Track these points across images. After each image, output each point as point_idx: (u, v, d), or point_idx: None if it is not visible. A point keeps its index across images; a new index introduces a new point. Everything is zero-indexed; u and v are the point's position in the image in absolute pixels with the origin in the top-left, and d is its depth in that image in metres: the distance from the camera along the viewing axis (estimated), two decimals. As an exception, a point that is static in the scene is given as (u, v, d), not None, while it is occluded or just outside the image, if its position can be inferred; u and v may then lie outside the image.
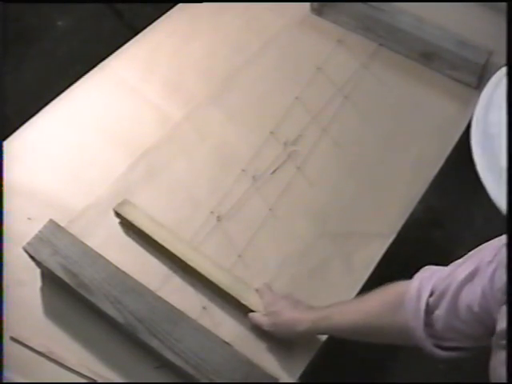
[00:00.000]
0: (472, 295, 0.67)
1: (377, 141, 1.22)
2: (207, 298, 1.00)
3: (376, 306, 0.81)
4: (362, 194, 1.14)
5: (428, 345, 0.73)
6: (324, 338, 0.97)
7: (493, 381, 0.64)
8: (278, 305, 0.93)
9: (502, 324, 0.62)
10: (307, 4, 1.42)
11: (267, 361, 0.94)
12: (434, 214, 1.42)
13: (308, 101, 1.26)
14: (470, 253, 0.72)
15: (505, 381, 0.56)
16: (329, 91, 1.28)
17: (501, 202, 0.51)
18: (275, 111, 1.24)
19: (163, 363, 0.93)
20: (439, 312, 0.71)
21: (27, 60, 1.85)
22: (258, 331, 0.97)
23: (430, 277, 0.74)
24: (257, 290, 0.99)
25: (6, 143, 1.17)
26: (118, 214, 1.07)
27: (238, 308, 0.98)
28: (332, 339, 0.98)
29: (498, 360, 0.62)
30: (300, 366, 0.95)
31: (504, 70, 0.58)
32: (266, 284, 1.00)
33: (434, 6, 1.38)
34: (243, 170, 1.16)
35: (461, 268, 0.70)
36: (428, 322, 0.72)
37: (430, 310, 0.72)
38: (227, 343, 0.93)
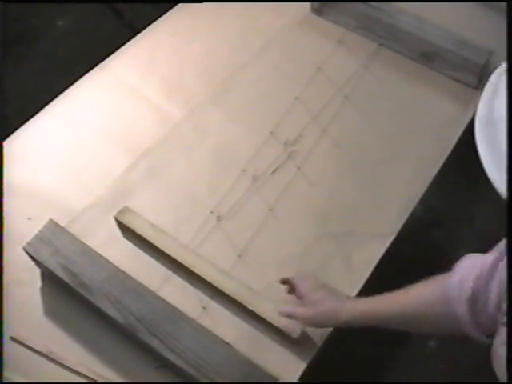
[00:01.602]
0: (499, 280, 0.68)
1: (377, 141, 1.22)
2: (207, 298, 1.00)
3: (422, 298, 0.81)
4: (362, 194, 1.14)
5: (476, 333, 0.73)
6: (324, 338, 0.97)
7: (494, 362, 0.64)
8: (317, 294, 0.91)
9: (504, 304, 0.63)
10: (307, 4, 1.42)
11: (267, 361, 0.94)
12: (434, 213, 1.42)
13: (308, 101, 1.26)
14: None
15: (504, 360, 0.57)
16: (329, 91, 1.28)
17: (500, 184, 0.52)
18: (275, 111, 1.24)
19: (163, 363, 0.93)
20: (482, 300, 0.71)
21: (27, 60, 1.85)
22: (258, 331, 0.97)
23: (470, 265, 0.74)
24: (284, 281, 0.97)
25: (5, 143, 1.18)
26: (118, 222, 1.07)
27: (239, 308, 0.98)
28: (332, 339, 0.98)
29: (500, 338, 0.63)
30: (300, 366, 0.95)
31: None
32: (297, 273, 0.98)
33: (434, 5, 1.38)
34: (243, 170, 1.16)
35: (490, 254, 0.71)
36: (475, 312, 0.72)
37: (473, 299, 0.72)
38: (227, 343, 0.93)
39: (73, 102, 1.27)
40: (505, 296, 0.63)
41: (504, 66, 0.59)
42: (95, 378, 0.93)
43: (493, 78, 0.60)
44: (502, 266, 0.67)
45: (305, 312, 0.91)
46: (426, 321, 0.81)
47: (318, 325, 0.93)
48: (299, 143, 1.20)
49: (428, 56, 1.30)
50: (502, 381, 0.63)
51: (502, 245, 0.71)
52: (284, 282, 0.98)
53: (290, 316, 0.93)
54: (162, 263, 1.04)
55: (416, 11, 1.34)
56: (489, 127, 0.56)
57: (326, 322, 0.91)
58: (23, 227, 1.05)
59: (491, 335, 0.72)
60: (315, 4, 1.40)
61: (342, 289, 1.01)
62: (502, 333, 0.63)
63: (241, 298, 0.98)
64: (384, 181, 1.16)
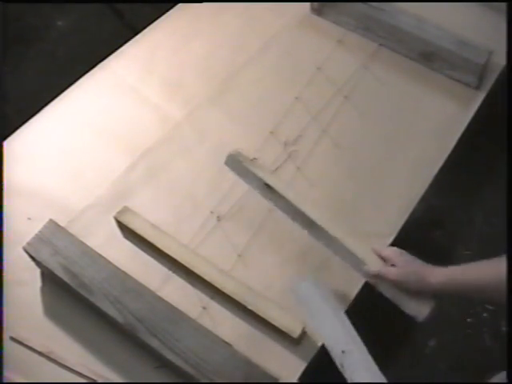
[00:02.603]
0: None
1: (377, 141, 1.22)
2: (207, 298, 1.00)
3: (500, 275, 0.80)
4: (362, 194, 1.14)
5: None
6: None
7: None
8: (407, 256, 0.94)
9: None
10: (307, 4, 1.42)
11: (267, 361, 0.94)
12: (434, 213, 1.42)
13: (308, 101, 1.26)
14: None
15: None
16: (329, 91, 1.28)
17: None
18: (275, 111, 1.24)
19: (163, 363, 0.93)
20: None
21: (27, 60, 1.86)
22: (258, 331, 0.97)
23: None
24: (374, 250, 0.99)
25: (5, 143, 1.18)
26: (118, 222, 1.07)
27: (239, 308, 0.98)
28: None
29: None
30: (300, 366, 0.95)
31: None
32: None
33: (434, 5, 1.38)
34: (243, 170, 1.16)
35: None
36: None
37: None
38: (227, 343, 0.93)
39: (73, 102, 1.27)
40: None
41: None
42: (95, 378, 0.93)
43: None
44: None
45: (394, 270, 0.93)
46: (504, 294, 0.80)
47: (409, 285, 0.93)
48: (299, 143, 1.20)
49: (428, 56, 1.30)
50: None
51: None
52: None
53: (380, 275, 0.94)
54: (162, 263, 1.04)
55: (416, 11, 1.34)
56: None
57: (416, 283, 0.92)
58: (23, 227, 1.05)
59: None
60: (315, 4, 1.40)
61: (343, 288, 1.01)
62: None
63: (241, 298, 0.98)
64: (384, 181, 1.16)
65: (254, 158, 1.01)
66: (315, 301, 0.89)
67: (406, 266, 0.93)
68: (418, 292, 0.93)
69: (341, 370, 0.82)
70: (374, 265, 0.97)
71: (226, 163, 1.02)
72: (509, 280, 0.57)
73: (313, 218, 0.99)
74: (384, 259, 0.98)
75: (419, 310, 0.93)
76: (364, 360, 0.82)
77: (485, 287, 0.85)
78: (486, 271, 0.85)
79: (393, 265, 0.96)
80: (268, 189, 1.01)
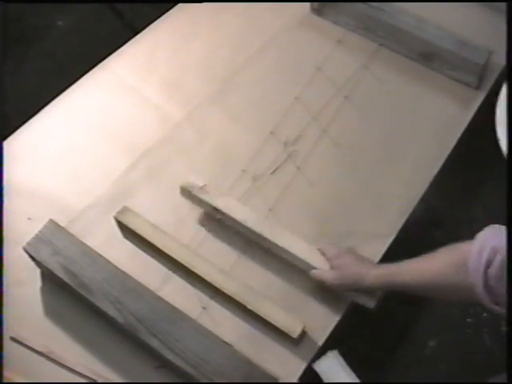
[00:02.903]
0: None
1: (377, 141, 1.22)
2: (207, 298, 1.00)
3: (441, 266, 0.83)
4: (362, 194, 1.14)
5: (488, 301, 0.75)
6: (323, 338, 0.97)
7: None
8: (344, 258, 0.96)
9: None
10: (307, 4, 1.42)
11: (267, 361, 0.94)
12: (434, 213, 1.42)
13: (308, 101, 1.26)
14: None
15: None
16: (329, 91, 1.28)
17: None
18: (275, 111, 1.24)
19: (163, 363, 0.93)
20: (494, 267, 0.73)
21: (27, 60, 1.85)
22: (258, 331, 0.97)
23: (491, 235, 0.76)
24: (319, 249, 1.00)
25: (5, 143, 1.18)
26: (118, 222, 1.07)
27: (239, 308, 0.98)
28: (331, 339, 0.98)
29: None
30: (300, 366, 0.95)
31: None
32: (328, 243, 1.02)
33: (434, 5, 1.38)
34: (243, 170, 1.16)
35: None
36: (486, 278, 0.74)
37: (488, 267, 0.74)
38: (227, 343, 0.93)
39: (73, 102, 1.27)
40: None
41: None
42: (95, 378, 0.93)
43: None
44: None
45: (332, 275, 0.96)
46: (445, 288, 0.82)
47: (346, 287, 0.96)
48: (299, 143, 1.20)
49: (428, 56, 1.30)
50: None
51: None
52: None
53: (319, 279, 0.98)
54: (162, 263, 1.04)
55: (416, 11, 1.34)
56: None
57: (353, 285, 0.95)
58: (23, 227, 1.05)
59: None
60: (315, 4, 1.40)
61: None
62: None
63: (241, 298, 0.98)
64: (384, 181, 1.16)
65: (204, 185, 1.06)
66: (338, 376, 0.93)
67: (342, 269, 0.95)
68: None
69: None
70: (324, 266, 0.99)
71: (181, 194, 1.09)
72: (509, 280, 0.57)
73: (258, 231, 1.02)
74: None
75: (368, 299, 0.96)
76: None
77: (410, 285, 0.88)
78: (410, 270, 0.88)
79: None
80: (217, 211, 1.05)
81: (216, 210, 1.05)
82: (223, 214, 1.05)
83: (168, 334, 0.92)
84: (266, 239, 1.02)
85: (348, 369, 0.94)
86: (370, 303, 0.96)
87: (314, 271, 0.98)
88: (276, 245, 1.01)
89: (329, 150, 1.20)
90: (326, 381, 0.93)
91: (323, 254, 1.00)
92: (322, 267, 0.98)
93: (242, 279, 1.01)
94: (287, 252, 1.01)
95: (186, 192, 1.08)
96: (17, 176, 1.15)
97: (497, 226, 0.78)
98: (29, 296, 1.01)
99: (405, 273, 0.88)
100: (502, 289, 0.73)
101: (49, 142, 1.21)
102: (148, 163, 1.17)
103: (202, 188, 1.06)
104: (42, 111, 1.24)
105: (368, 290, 0.95)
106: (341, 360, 0.95)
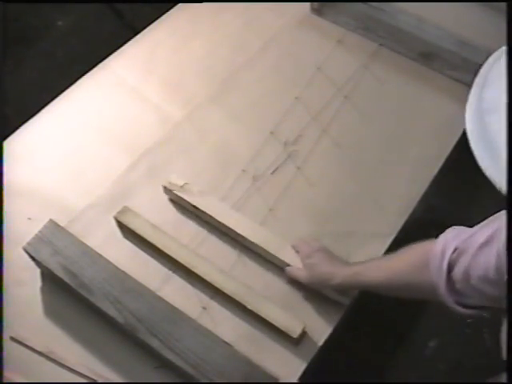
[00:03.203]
0: (488, 258, 0.69)
1: (377, 141, 1.22)
2: (207, 298, 1.00)
3: (404, 265, 0.84)
4: (362, 194, 1.14)
5: (450, 302, 0.75)
6: (323, 338, 0.97)
7: (504, 346, 0.65)
8: (314, 257, 0.97)
9: None
10: (307, 4, 1.42)
11: (267, 361, 0.94)
12: (433, 213, 1.42)
13: (308, 101, 1.26)
14: (492, 217, 0.74)
15: None
16: (329, 91, 1.28)
17: (489, 170, 0.54)
18: (275, 111, 1.24)
19: (163, 363, 0.93)
20: (458, 269, 0.73)
21: (27, 60, 1.85)
22: (258, 331, 0.97)
23: (454, 236, 0.77)
24: (293, 247, 1.02)
25: (5, 143, 1.18)
26: (118, 222, 1.07)
27: (239, 308, 0.98)
28: (331, 339, 0.98)
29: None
30: (300, 366, 0.95)
31: (502, 49, 0.61)
32: (302, 239, 1.03)
33: (434, 5, 1.38)
34: (243, 170, 1.16)
35: (482, 231, 0.73)
36: (449, 279, 0.75)
37: (451, 268, 0.75)
38: (227, 343, 0.93)
39: (73, 102, 1.27)
40: None
41: (495, 55, 0.62)
42: (95, 378, 0.93)
43: (483, 68, 0.62)
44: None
45: (303, 274, 0.98)
46: (408, 287, 0.83)
47: (317, 286, 0.98)
48: (299, 143, 1.20)
49: (428, 56, 1.30)
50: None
51: (495, 222, 0.72)
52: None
53: (292, 278, 1.00)
54: (162, 263, 1.04)
55: (416, 11, 1.34)
56: (479, 117, 0.58)
57: (323, 284, 0.97)
58: (23, 227, 1.05)
59: (472, 307, 0.75)
60: (315, 4, 1.40)
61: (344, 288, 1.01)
62: None
63: (241, 298, 0.98)
64: (384, 181, 1.16)
65: (185, 184, 1.08)
66: None
67: (312, 269, 0.97)
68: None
69: None
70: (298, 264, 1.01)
71: (164, 192, 1.11)
72: (509, 280, 0.57)
73: (237, 230, 1.04)
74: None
75: (342, 296, 0.98)
76: None
77: (374, 285, 0.89)
78: (374, 270, 0.89)
79: None
80: (197, 210, 1.07)
81: (196, 208, 1.07)
82: (203, 212, 1.06)
83: (168, 334, 0.92)
84: (244, 238, 1.04)
85: None
86: (344, 300, 0.98)
87: (287, 268, 1.01)
88: (252, 242, 1.03)
89: (329, 150, 1.20)
90: None
91: (297, 251, 1.01)
92: (295, 264, 1.00)
93: (242, 279, 1.01)
94: (264, 250, 1.02)
95: (168, 191, 1.10)
96: (17, 176, 1.15)
97: (460, 226, 0.79)
98: (29, 296, 1.01)
99: (369, 272, 0.89)
100: (469, 291, 0.73)
101: (49, 142, 1.21)
102: (148, 163, 1.17)
103: (182, 187, 1.08)
104: (41, 111, 1.24)
105: (337, 289, 0.96)
106: None
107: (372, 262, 0.91)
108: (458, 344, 1.32)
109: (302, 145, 1.20)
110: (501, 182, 0.53)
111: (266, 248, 1.02)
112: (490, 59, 0.62)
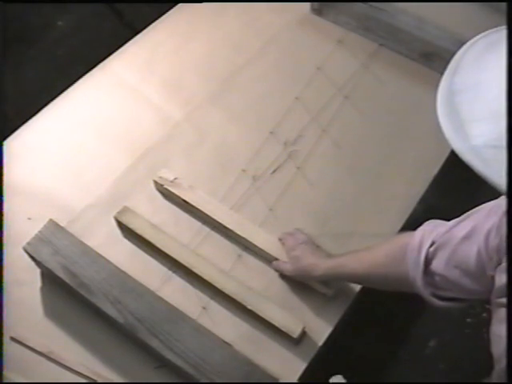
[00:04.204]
0: (468, 252, 0.70)
1: (377, 141, 1.22)
2: (207, 298, 1.00)
3: (382, 256, 0.85)
4: (361, 194, 1.14)
5: (426, 294, 0.77)
6: (323, 338, 0.97)
7: (491, 342, 0.66)
8: (298, 250, 0.99)
9: (499, 281, 0.65)
10: (307, 4, 1.42)
11: (267, 361, 0.94)
12: (434, 214, 1.42)
13: (308, 101, 1.26)
14: (469, 212, 0.76)
15: (503, 338, 0.59)
16: (329, 91, 1.28)
17: (459, 149, 0.56)
18: (275, 111, 1.24)
19: (163, 363, 0.93)
20: (437, 263, 0.75)
21: (27, 60, 1.85)
22: (258, 331, 0.97)
23: (432, 230, 0.77)
24: (279, 239, 1.04)
25: (5, 143, 1.18)
26: (118, 222, 1.07)
27: (239, 308, 0.98)
28: (331, 339, 0.98)
29: (497, 318, 0.65)
30: (300, 366, 0.95)
31: (476, 37, 0.64)
32: (288, 232, 1.04)
33: (434, 5, 1.38)
34: (243, 170, 1.16)
35: (460, 225, 0.74)
36: (427, 272, 0.76)
37: (428, 261, 0.76)
38: (227, 343, 0.93)
39: (73, 102, 1.27)
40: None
41: (469, 43, 0.65)
42: (95, 378, 0.93)
43: (457, 55, 0.65)
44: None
45: (288, 267, 1.00)
46: (386, 278, 0.85)
47: (300, 278, 1.00)
48: (299, 143, 1.20)
49: (428, 56, 1.30)
50: (498, 361, 0.65)
51: (474, 218, 0.73)
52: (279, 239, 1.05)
53: (278, 269, 1.02)
54: (162, 263, 1.04)
55: (416, 11, 1.34)
56: (449, 98, 0.62)
57: (306, 276, 0.99)
58: (23, 227, 1.05)
59: (448, 299, 0.75)
60: (315, 4, 1.40)
61: (343, 288, 1.01)
62: (500, 312, 0.65)
63: (241, 298, 0.98)
64: (384, 181, 1.16)
65: (175, 179, 1.09)
66: None
67: (296, 261, 0.98)
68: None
69: None
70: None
71: (155, 187, 1.12)
72: (508, 280, 0.58)
73: (226, 224, 1.06)
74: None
75: (326, 287, 0.99)
76: None
77: (354, 276, 0.92)
78: (353, 262, 0.90)
79: None
80: (187, 204, 1.08)
81: (186, 202, 1.08)
82: (192, 206, 1.07)
83: (168, 334, 0.91)
84: (232, 231, 1.05)
85: None
86: (328, 291, 0.99)
87: (274, 263, 1.02)
88: (240, 236, 1.04)
89: (329, 150, 1.20)
90: None
91: (282, 243, 1.03)
92: (282, 258, 1.02)
93: (241, 279, 1.01)
94: (251, 243, 1.04)
95: (158, 186, 1.11)
96: (17, 176, 1.15)
97: (437, 220, 0.79)
98: (29, 296, 1.01)
99: (350, 263, 0.91)
100: (447, 284, 0.74)
101: (49, 142, 1.21)
102: (148, 163, 1.17)
103: (172, 182, 1.09)
104: (41, 111, 1.24)
105: (320, 280, 0.98)
106: None
107: (353, 254, 0.92)
108: (458, 344, 1.32)
109: (302, 145, 1.20)
110: (470, 160, 0.54)
111: (255, 243, 1.04)
112: (464, 47, 0.65)
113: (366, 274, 0.88)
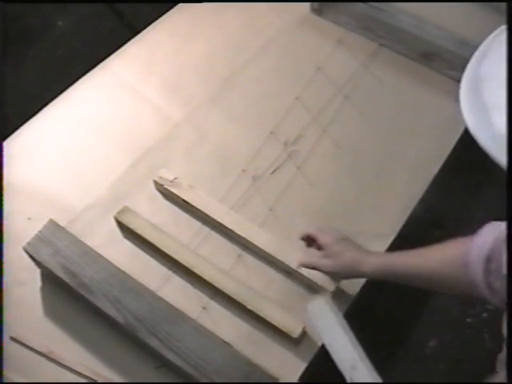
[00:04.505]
0: None
1: (377, 141, 1.22)
2: (207, 298, 1.00)
3: (443, 258, 0.81)
4: (361, 194, 1.14)
5: (489, 297, 0.73)
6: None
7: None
8: (339, 245, 0.93)
9: None
10: (307, 4, 1.42)
11: (267, 361, 0.94)
12: (434, 213, 1.42)
13: (308, 101, 1.26)
14: None
15: None
16: (329, 91, 1.28)
17: (480, 136, 0.56)
18: (275, 111, 1.24)
19: (163, 363, 0.93)
20: (494, 265, 0.71)
21: (27, 60, 1.85)
22: (258, 331, 0.97)
23: (492, 231, 0.74)
24: (304, 238, 0.99)
25: (5, 143, 1.18)
26: (118, 222, 1.07)
27: (239, 308, 0.98)
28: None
29: None
30: (300, 366, 0.95)
31: (502, 27, 0.61)
32: (317, 228, 0.98)
33: (434, 5, 1.38)
34: (243, 170, 1.16)
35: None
36: (487, 274, 0.72)
37: (488, 261, 0.72)
38: (227, 343, 0.93)
39: (73, 102, 1.27)
40: None
41: (495, 32, 0.62)
42: (95, 378, 0.93)
43: (482, 44, 0.63)
44: None
45: (329, 263, 0.93)
46: (445, 281, 0.81)
47: (343, 275, 0.95)
48: (299, 143, 1.20)
49: (428, 56, 1.30)
50: None
51: None
52: (304, 238, 1.00)
53: (313, 267, 0.95)
54: (162, 263, 1.04)
55: (416, 11, 1.34)
56: (473, 85, 0.59)
57: (351, 273, 0.92)
58: (23, 227, 1.05)
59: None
60: (315, 4, 1.40)
61: (343, 288, 1.01)
62: None
63: (241, 298, 0.98)
64: (384, 181, 1.16)
65: (175, 178, 1.09)
66: (328, 317, 0.89)
67: (338, 258, 0.92)
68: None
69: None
70: (288, 259, 1.00)
71: (155, 187, 1.12)
72: (508, 280, 0.58)
73: (226, 224, 1.05)
74: (319, 246, 0.96)
75: (329, 281, 0.98)
76: (371, 375, 0.85)
77: (410, 276, 0.85)
78: (410, 261, 0.86)
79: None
80: (187, 204, 1.08)
81: (186, 202, 1.08)
82: (192, 206, 1.07)
83: (168, 334, 0.92)
84: (232, 231, 1.04)
85: (337, 311, 0.90)
86: (329, 286, 0.97)
87: (303, 261, 0.97)
88: (240, 236, 1.04)
89: (329, 150, 1.20)
90: (313, 320, 0.90)
91: (315, 240, 0.97)
92: (286, 260, 1.00)
93: (242, 279, 1.01)
94: (251, 243, 1.03)
95: (158, 186, 1.10)
96: (17, 176, 1.15)
97: (497, 222, 0.76)
98: (29, 296, 1.01)
99: (407, 262, 0.86)
100: (499, 284, 0.71)
101: (49, 142, 1.21)
102: (148, 163, 1.17)
103: (172, 182, 1.09)
104: (41, 111, 1.24)
105: (367, 277, 0.94)
106: (331, 304, 0.91)
107: (409, 253, 0.87)
108: (458, 344, 1.32)
109: (302, 145, 1.20)
110: (489, 148, 0.54)
111: (256, 244, 1.03)
112: (490, 36, 0.63)
113: (427, 273, 0.83)
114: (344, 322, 0.88)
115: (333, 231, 0.97)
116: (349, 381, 0.83)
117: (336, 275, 0.96)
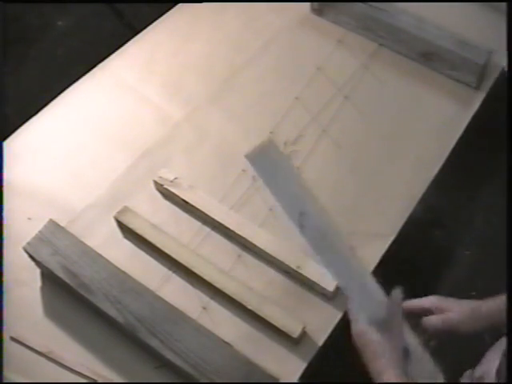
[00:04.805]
0: None
1: (377, 141, 1.22)
2: (207, 298, 1.00)
3: None
4: (362, 194, 1.14)
5: None
6: (323, 338, 0.97)
7: None
8: (448, 299, 0.84)
9: None
10: (307, 4, 1.42)
11: (267, 361, 0.94)
12: (434, 213, 1.42)
13: (308, 101, 1.26)
14: None
15: None
16: (329, 91, 1.28)
17: None
18: (275, 111, 1.24)
19: (163, 363, 0.93)
20: None
21: (27, 60, 1.86)
22: (258, 331, 0.97)
23: None
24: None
25: (5, 143, 1.18)
26: (118, 222, 1.07)
27: (239, 308, 0.98)
28: (331, 339, 0.98)
29: None
30: (300, 366, 0.95)
31: None
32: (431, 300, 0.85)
33: (434, 5, 1.38)
34: (243, 170, 1.16)
35: None
36: None
37: None
38: (227, 343, 0.93)
39: (73, 102, 1.27)
40: None
41: None
42: (95, 378, 0.93)
43: None
44: None
45: (458, 316, 0.84)
46: None
47: (471, 327, 0.85)
48: (299, 143, 1.20)
49: (428, 56, 1.30)
50: None
51: None
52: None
53: (446, 325, 0.85)
54: (162, 263, 1.04)
55: (416, 11, 1.34)
56: None
57: (477, 322, 0.84)
58: (23, 227, 1.05)
59: None
60: (315, 4, 1.40)
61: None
62: None
63: (241, 298, 0.98)
64: (384, 181, 1.16)
65: (175, 178, 1.09)
66: (273, 164, 0.83)
67: (461, 307, 0.84)
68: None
69: (301, 231, 0.80)
70: (288, 259, 1.01)
71: (155, 187, 1.12)
72: (508, 280, 0.57)
73: (226, 224, 1.05)
74: (423, 311, 0.86)
75: (329, 280, 0.96)
76: (320, 219, 0.81)
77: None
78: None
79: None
80: (187, 204, 1.08)
81: (186, 202, 1.08)
82: (192, 206, 1.07)
83: (168, 334, 0.92)
84: (232, 231, 1.04)
85: (286, 158, 0.82)
86: (329, 286, 0.97)
87: (429, 321, 0.86)
88: (240, 236, 1.04)
89: (329, 150, 1.20)
90: (257, 169, 0.83)
91: (417, 306, 0.85)
92: (286, 260, 1.00)
93: (242, 279, 1.01)
94: (251, 243, 1.03)
95: (158, 186, 1.10)
96: (17, 176, 1.15)
97: None
98: (29, 296, 1.01)
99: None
100: None
101: (49, 142, 1.21)
102: (148, 163, 1.17)
103: (172, 182, 1.09)
104: (41, 111, 1.24)
105: (489, 325, 0.84)
106: (277, 148, 0.83)
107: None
108: (458, 344, 1.32)
109: (302, 145, 1.20)
110: None
111: (256, 244, 1.03)
112: None
113: None
114: (291, 166, 0.83)
115: (445, 300, 0.86)
116: (299, 228, 0.79)
117: (468, 327, 0.86)
